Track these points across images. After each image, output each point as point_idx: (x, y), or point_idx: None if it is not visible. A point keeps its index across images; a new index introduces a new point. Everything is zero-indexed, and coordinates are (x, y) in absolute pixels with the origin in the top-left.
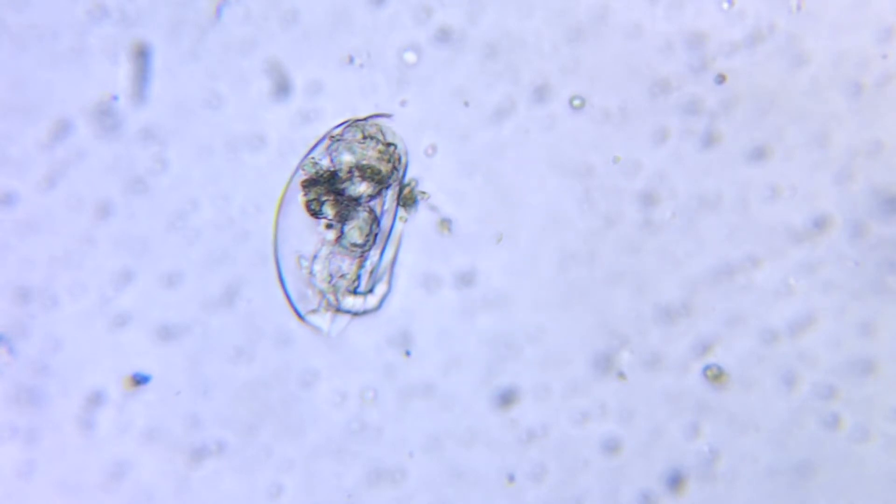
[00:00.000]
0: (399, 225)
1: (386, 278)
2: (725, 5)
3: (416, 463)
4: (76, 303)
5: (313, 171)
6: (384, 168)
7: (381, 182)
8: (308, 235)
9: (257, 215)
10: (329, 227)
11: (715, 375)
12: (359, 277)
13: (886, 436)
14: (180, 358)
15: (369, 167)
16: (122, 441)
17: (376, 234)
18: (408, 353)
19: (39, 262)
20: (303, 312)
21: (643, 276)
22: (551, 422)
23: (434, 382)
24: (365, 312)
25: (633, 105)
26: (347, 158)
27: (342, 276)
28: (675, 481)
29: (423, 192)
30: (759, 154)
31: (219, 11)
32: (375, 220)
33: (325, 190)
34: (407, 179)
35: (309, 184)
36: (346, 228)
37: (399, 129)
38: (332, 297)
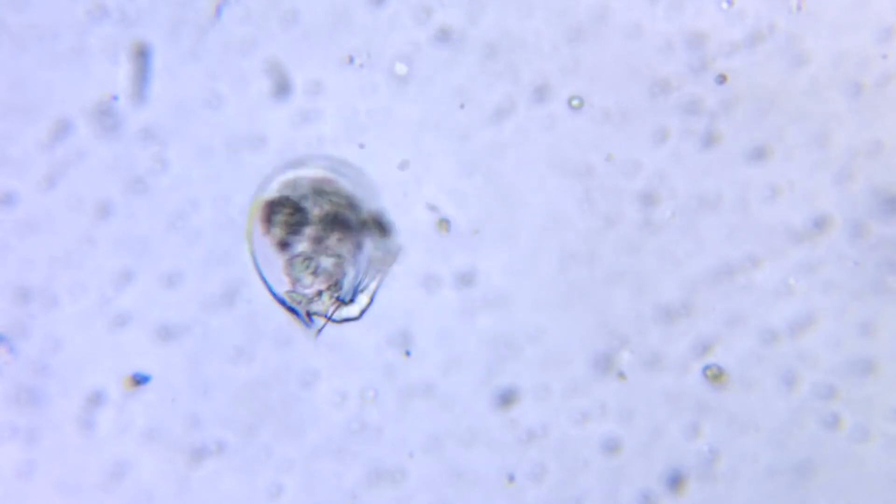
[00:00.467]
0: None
1: (369, 292)
2: (725, 5)
3: (416, 463)
4: (76, 303)
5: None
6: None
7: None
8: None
9: None
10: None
11: (715, 375)
12: (339, 286)
13: (886, 436)
14: (180, 358)
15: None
16: (122, 441)
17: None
18: (408, 353)
19: (39, 262)
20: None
21: (643, 276)
22: (551, 422)
23: (434, 382)
24: (346, 320)
25: (633, 105)
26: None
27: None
28: (675, 481)
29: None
30: (759, 154)
31: (219, 11)
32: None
33: (287, 228)
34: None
35: (276, 219)
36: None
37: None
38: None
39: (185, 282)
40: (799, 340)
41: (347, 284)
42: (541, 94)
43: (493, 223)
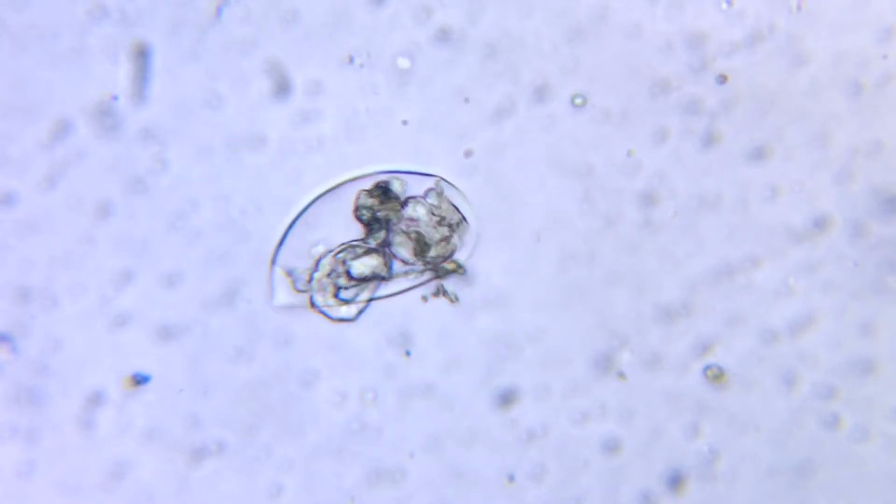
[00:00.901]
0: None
1: (366, 296)
2: (725, 5)
3: (416, 463)
4: (76, 303)
5: (400, 191)
6: (434, 251)
7: (420, 256)
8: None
9: (257, 215)
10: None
11: (715, 375)
12: (347, 288)
13: (886, 436)
14: (180, 358)
15: (422, 237)
16: (122, 441)
17: (380, 279)
18: (408, 353)
19: (39, 262)
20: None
21: (643, 276)
22: (551, 422)
23: (434, 382)
24: (342, 320)
25: (633, 105)
26: (421, 212)
27: (338, 277)
28: (675, 481)
29: (460, 269)
30: (759, 154)
31: (219, 11)
32: (386, 268)
33: (385, 213)
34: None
35: (378, 193)
36: (356, 263)
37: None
38: (319, 287)
39: (185, 282)
40: (799, 340)
41: (359, 290)
42: (541, 94)
43: (493, 223)
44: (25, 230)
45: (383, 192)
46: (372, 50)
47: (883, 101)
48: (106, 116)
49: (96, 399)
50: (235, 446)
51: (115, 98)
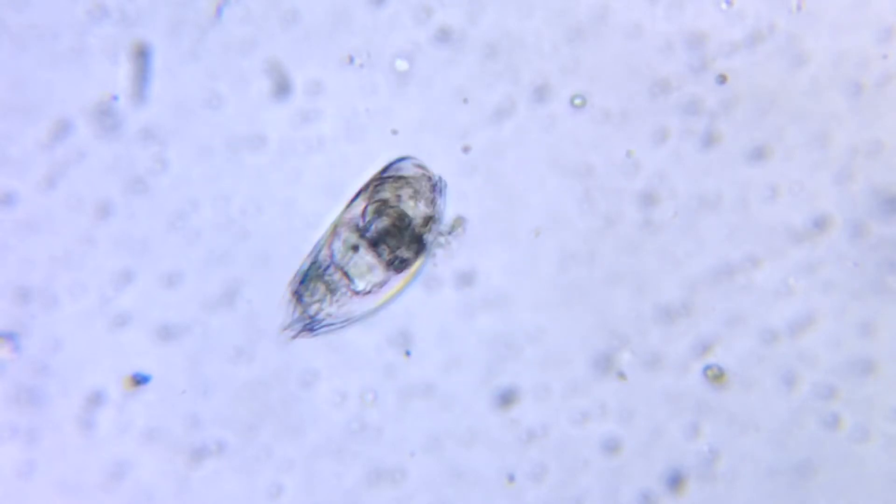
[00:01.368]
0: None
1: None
2: (725, 5)
3: (416, 463)
4: (76, 303)
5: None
6: (417, 230)
7: (398, 232)
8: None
9: (257, 215)
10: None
11: (715, 375)
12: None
13: (886, 436)
14: (180, 358)
15: (404, 217)
16: (122, 441)
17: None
18: (408, 354)
19: (39, 262)
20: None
21: (643, 276)
22: (551, 422)
23: (434, 382)
24: (347, 321)
25: (633, 105)
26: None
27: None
28: (675, 481)
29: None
30: (759, 154)
31: (219, 11)
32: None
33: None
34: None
35: (391, 235)
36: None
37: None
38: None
39: (185, 282)
40: (799, 340)
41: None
42: (541, 94)
43: (492, 223)
44: (25, 230)
45: (399, 217)
46: (372, 50)
47: (883, 101)
48: (106, 116)
49: (96, 399)
50: (235, 446)
51: (115, 98)
